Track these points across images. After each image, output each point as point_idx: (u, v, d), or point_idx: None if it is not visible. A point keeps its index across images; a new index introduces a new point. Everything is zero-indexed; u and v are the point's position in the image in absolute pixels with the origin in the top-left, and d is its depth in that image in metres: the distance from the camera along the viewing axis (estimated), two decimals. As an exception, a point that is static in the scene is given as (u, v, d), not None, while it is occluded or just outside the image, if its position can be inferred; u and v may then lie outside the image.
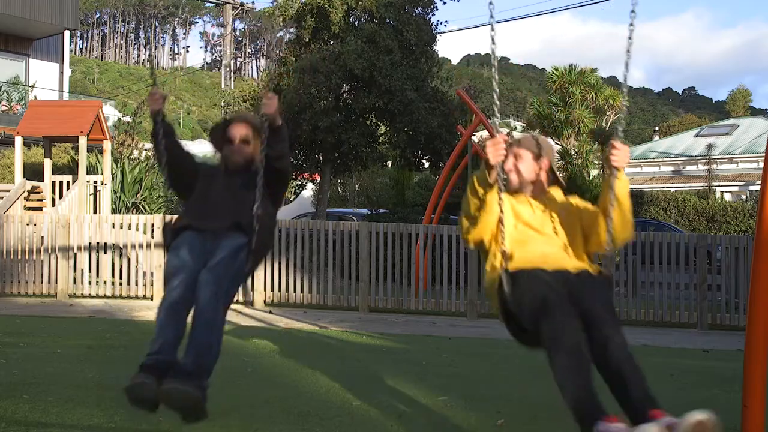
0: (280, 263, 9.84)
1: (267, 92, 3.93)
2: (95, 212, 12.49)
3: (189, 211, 3.76)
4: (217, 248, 3.47)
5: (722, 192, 26.81)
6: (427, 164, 18.82)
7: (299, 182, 20.03)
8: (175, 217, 3.84)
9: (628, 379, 2.99)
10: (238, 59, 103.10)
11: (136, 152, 14.95)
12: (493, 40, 3.25)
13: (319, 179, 18.27)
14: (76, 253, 10.19)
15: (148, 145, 16.68)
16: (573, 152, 23.45)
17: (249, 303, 9.70)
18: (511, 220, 3.39)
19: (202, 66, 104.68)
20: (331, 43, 16.07)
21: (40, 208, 12.37)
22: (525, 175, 3.56)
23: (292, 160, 16.81)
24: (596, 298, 3.06)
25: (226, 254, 3.44)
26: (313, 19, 15.89)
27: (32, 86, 21.31)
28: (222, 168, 3.87)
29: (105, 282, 10.21)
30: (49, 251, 10.12)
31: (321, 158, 16.90)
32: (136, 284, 10.03)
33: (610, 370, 3.01)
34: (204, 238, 3.53)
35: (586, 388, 2.93)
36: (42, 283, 10.08)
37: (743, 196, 25.39)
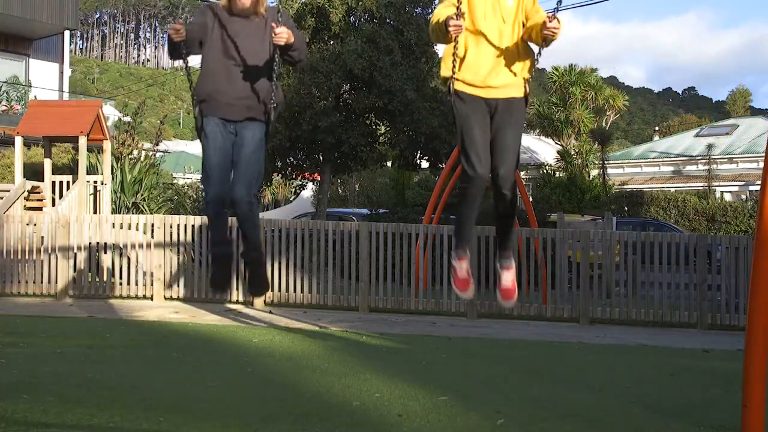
0: (280, 263, 9.84)
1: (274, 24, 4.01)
2: (95, 212, 12.49)
3: (206, 88, 4.19)
4: (240, 138, 4.11)
5: (722, 192, 26.82)
6: (426, 164, 18.83)
7: (299, 182, 20.07)
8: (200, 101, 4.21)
9: (501, 227, 3.93)
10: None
11: (136, 152, 14.94)
12: None
13: (319, 179, 18.29)
14: (76, 253, 10.19)
15: (148, 145, 16.69)
16: (573, 152, 23.47)
17: (249, 303, 9.70)
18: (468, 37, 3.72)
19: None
20: (331, 43, 16.08)
21: (40, 208, 12.36)
22: None
23: (292, 160, 16.82)
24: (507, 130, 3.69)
25: (250, 152, 4.07)
26: (313, 19, 15.90)
27: (29, 85, 21.32)
28: (226, 11, 4.13)
29: (105, 282, 10.21)
30: (49, 251, 10.11)
31: (321, 158, 16.91)
32: (136, 284, 10.03)
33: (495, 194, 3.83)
34: (226, 126, 4.14)
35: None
36: (42, 283, 10.08)
37: (743, 196, 25.40)
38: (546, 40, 3.65)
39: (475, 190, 3.70)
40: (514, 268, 3.94)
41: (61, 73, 22.81)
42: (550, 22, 3.53)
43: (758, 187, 4.55)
